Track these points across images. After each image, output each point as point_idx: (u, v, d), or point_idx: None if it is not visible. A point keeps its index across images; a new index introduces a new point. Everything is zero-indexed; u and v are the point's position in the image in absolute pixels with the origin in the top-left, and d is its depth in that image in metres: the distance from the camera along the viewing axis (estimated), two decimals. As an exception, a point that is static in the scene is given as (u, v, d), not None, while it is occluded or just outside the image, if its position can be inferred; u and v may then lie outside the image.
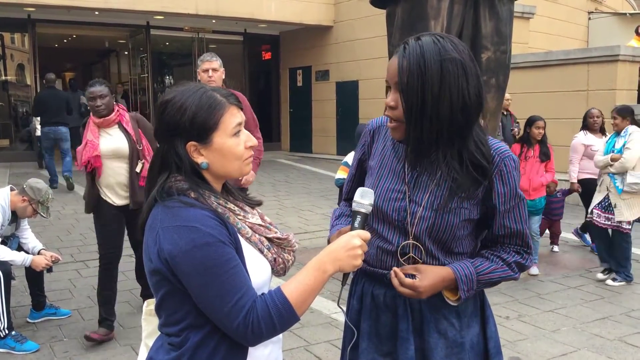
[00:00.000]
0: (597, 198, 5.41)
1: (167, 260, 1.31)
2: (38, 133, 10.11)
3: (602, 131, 6.30)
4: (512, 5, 5.38)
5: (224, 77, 4.50)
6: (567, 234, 6.81)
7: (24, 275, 4.42)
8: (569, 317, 4.53)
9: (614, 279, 5.32)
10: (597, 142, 5.96)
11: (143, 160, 4.00)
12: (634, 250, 6.29)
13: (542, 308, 4.71)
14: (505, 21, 5.21)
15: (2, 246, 4.00)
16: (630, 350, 3.91)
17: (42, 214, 4.23)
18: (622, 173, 5.20)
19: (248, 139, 1.45)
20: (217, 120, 1.38)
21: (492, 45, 5.16)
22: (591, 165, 5.84)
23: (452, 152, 1.56)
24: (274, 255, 1.48)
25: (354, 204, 1.51)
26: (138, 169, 3.99)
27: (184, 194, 1.37)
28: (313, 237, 6.84)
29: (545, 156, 5.60)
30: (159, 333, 1.47)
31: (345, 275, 1.51)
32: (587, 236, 6.50)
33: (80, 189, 8.66)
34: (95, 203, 4.03)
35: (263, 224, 1.49)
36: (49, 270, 4.26)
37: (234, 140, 1.41)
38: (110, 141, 3.98)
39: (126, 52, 16.66)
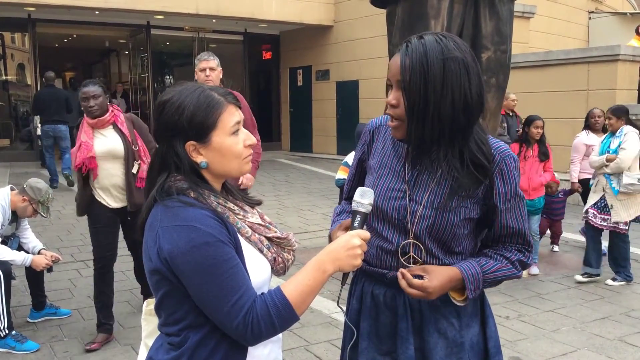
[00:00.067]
0: (592, 198, 5.38)
1: (167, 260, 1.32)
2: (39, 132, 10.15)
3: (604, 131, 6.29)
4: (513, 5, 5.37)
5: (221, 76, 4.43)
6: (567, 234, 6.81)
7: (24, 275, 4.42)
8: (569, 316, 4.53)
9: (614, 279, 5.32)
10: (599, 142, 5.95)
11: (139, 161, 3.95)
12: (633, 250, 6.29)
13: (542, 308, 4.71)
14: (506, 21, 5.21)
15: (3, 246, 4.00)
16: (630, 350, 3.91)
17: (42, 213, 4.23)
18: (618, 174, 5.18)
19: (247, 138, 1.45)
20: (215, 119, 1.39)
21: (492, 45, 5.16)
22: None
23: (453, 151, 1.56)
24: (274, 255, 1.48)
25: (353, 204, 1.52)
26: (134, 170, 3.93)
27: (183, 194, 1.37)
28: (313, 237, 6.84)
29: (544, 156, 5.60)
30: (159, 333, 1.47)
31: (345, 275, 1.51)
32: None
33: (80, 189, 8.65)
34: (87, 205, 3.96)
35: (263, 223, 1.49)
36: (49, 270, 4.26)
37: (232, 139, 1.41)
38: (105, 142, 3.91)
39: (126, 52, 16.66)
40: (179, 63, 16.62)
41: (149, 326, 1.61)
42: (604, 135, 5.59)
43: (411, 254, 1.63)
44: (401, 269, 1.58)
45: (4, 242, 4.14)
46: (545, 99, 9.70)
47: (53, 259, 4.20)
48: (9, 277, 3.93)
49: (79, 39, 16.64)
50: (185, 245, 1.29)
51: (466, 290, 1.58)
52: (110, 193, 3.95)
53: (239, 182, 4.21)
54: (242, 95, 3.70)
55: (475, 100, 1.54)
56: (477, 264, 1.61)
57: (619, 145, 5.20)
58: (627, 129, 5.27)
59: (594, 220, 5.28)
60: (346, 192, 1.93)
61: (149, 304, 1.58)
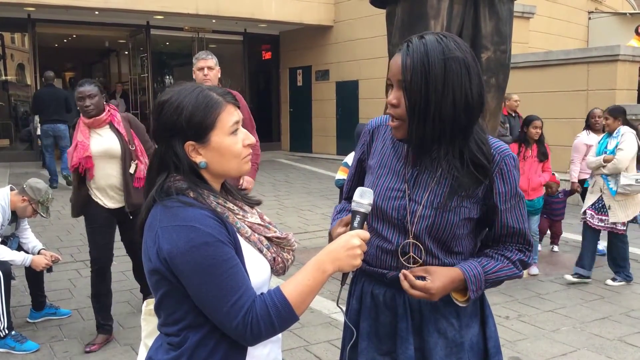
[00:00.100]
0: (590, 199, 5.36)
1: (166, 260, 1.31)
2: (39, 132, 10.18)
3: (605, 131, 6.28)
4: (512, 5, 5.38)
5: (219, 75, 4.36)
6: (567, 234, 6.81)
7: (24, 275, 4.41)
8: (569, 317, 4.53)
9: (613, 279, 5.32)
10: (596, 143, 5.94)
11: (136, 161, 3.92)
12: (632, 250, 6.29)
13: (541, 308, 4.71)
14: (505, 21, 5.21)
15: (2, 246, 4.00)
16: (630, 350, 3.91)
17: (42, 214, 4.23)
18: (615, 174, 5.16)
19: (246, 137, 1.45)
20: (214, 119, 1.38)
21: (492, 45, 5.17)
22: None
23: (453, 150, 1.56)
24: (274, 255, 1.48)
25: (353, 204, 1.51)
26: (131, 170, 3.89)
27: (182, 194, 1.37)
28: (313, 237, 6.84)
29: (543, 156, 5.60)
30: (159, 333, 1.47)
31: (345, 275, 1.51)
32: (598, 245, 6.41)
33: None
34: (82, 206, 3.93)
35: (262, 223, 1.49)
36: (49, 270, 4.26)
37: (231, 138, 1.41)
38: (101, 142, 3.87)
39: (126, 52, 16.66)
40: (179, 63, 16.62)
41: (149, 326, 1.61)
42: (601, 136, 5.57)
43: (411, 253, 1.63)
44: (403, 271, 1.58)
45: (4, 242, 4.14)
46: (545, 99, 9.70)
47: (53, 259, 4.19)
48: (8, 277, 3.93)
49: (79, 39, 16.63)
50: (184, 245, 1.29)
51: (468, 291, 1.58)
52: (107, 193, 3.91)
53: (240, 184, 4.20)
54: (242, 95, 3.69)
55: (476, 100, 1.54)
56: (479, 265, 1.61)
57: (616, 146, 5.18)
58: (624, 129, 5.25)
59: (592, 221, 5.27)
60: (346, 192, 1.93)
61: (149, 304, 1.58)
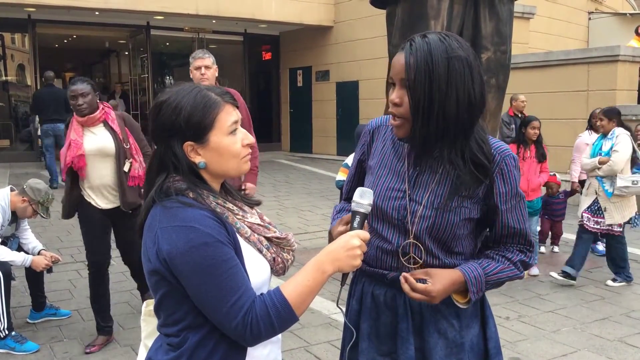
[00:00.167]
0: (585, 202, 5.31)
1: (166, 261, 1.31)
2: (40, 132, 10.23)
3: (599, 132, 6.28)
4: (512, 5, 5.38)
5: (217, 74, 4.27)
6: (567, 235, 6.80)
7: (24, 275, 4.41)
8: (569, 317, 4.52)
9: (614, 280, 5.31)
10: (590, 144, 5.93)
11: (131, 160, 3.86)
12: (633, 250, 6.30)
13: (542, 308, 4.71)
14: (506, 21, 5.21)
15: (2, 246, 4.00)
16: (630, 351, 3.91)
17: (42, 214, 4.22)
18: (610, 176, 5.13)
19: (245, 137, 1.45)
20: (212, 119, 1.38)
21: (492, 45, 5.17)
22: None
23: (455, 150, 1.56)
24: (273, 255, 1.48)
25: (353, 204, 1.51)
26: (126, 169, 3.84)
27: (182, 194, 1.37)
28: (313, 238, 6.84)
29: (542, 157, 5.60)
30: (158, 333, 1.46)
31: (345, 276, 1.51)
32: (598, 245, 6.41)
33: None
34: (73, 207, 3.88)
35: (262, 223, 1.49)
36: (49, 270, 4.26)
37: (230, 138, 1.41)
38: (95, 140, 3.81)
39: (126, 53, 16.65)
40: (179, 64, 16.60)
41: (149, 327, 1.61)
42: (595, 137, 5.53)
43: (411, 254, 1.63)
44: (404, 274, 1.58)
45: (4, 243, 4.14)
46: (546, 100, 9.69)
47: (53, 259, 4.19)
48: (8, 277, 3.93)
49: (79, 39, 16.64)
50: (184, 246, 1.29)
51: (469, 292, 1.58)
52: (101, 193, 3.86)
53: (242, 188, 4.16)
54: (241, 95, 3.65)
55: (478, 99, 1.55)
56: (480, 266, 1.61)
57: (611, 148, 5.15)
58: (619, 131, 5.22)
59: (588, 224, 5.24)
60: (345, 193, 1.93)
61: (148, 305, 1.58)
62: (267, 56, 16.54)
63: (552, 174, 6.29)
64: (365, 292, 1.74)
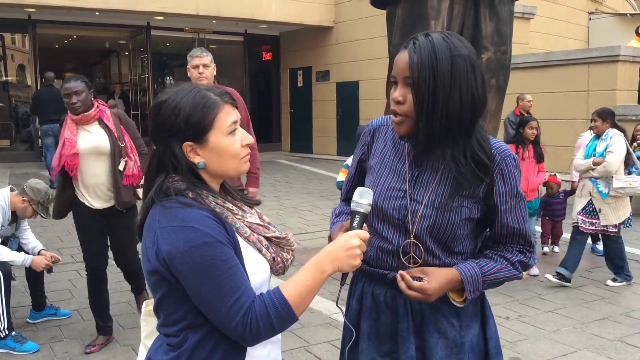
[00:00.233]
0: (579, 203, 5.29)
1: (165, 261, 1.31)
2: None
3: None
4: (513, 5, 5.38)
5: (215, 73, 4.14)
6: (568, 235, 6.80)
7: (24, 275, 4.41)
8: (569, 317, 4.52)
9: (614, 280, 5.31)
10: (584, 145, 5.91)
11: (126, 158, 3.80)
12: (633, 250, 6.30)
13: (542, 308, 4.71)
14: (506, 22, 5.22)
15: (2, 246, 4.00)
16: (630, 351, 3.91)
17: (42, 214, 4.22)
18: (605, 177, 5.11)
19: (244, 137, 1.45)
20: (211, 119, 1.38)
21: (492, 45, 5.17)
22: None
23: (457, 148, 1.56)
24: (273, 255, 1.48)
25: (352, 204, 1.51)
26: (121, 167, 3.77)
27: (181, 194, 1.37)
28: (313, 238, 6.84)
29: (540, 157, 5.60)
30: (158, 333, 1.46)
31: (344, 275, 1.51)
32: (598, 245, 6.40)
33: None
34: (64, 207, 3.84)
35: (261, 223, 1.49)
36: (49, 270, 4.26)
37: (229, 138, 1.41)
38: (90, 138, 3.74)
39: (127, 53, 16.66)
40: (179, 64, 16.58)
41: (148, 327, 1.61)
42: (589, 138, 5.51)
43: (412, 253, 1.63)
44: (400, 271, 1.58)
45: (4, 243, 4.14)
46: (546, 100, 9.70)
47: (53, 259, 4.19)
48: (8, 277, 3.93)
49: (79, 40, 16.64)
50: (183, 246, 1.29)
51: (465, 291, 1.58)
52: (95, 193, 3.80)
53: (244, 189, 4.11)
54: (239, 94, 3.59)
55: (481, 97, 1.55)
56: (477, 266, 1.61)
57: (606, 149, 5.14)
58: (613, 132, 5.21)
59: (583, 225, 5.22)
60: (345, 194, 1.93)
61: (148, 305, 1.58)
62: (267, 56, 16.54)
63: (552, 174, 6.30)
64: (366, 292, 1.74)
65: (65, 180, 3.80)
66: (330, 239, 1.68)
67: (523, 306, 4.75)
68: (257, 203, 1.58)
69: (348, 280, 1.60)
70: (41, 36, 13.31)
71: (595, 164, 5.13)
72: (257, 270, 1.41)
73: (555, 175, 6.30)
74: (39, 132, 10.59)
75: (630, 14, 15.22)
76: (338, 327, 4.15)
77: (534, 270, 5.53)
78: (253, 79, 16.42)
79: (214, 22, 13.75)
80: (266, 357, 1.47)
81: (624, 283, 5.27)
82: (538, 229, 6.41)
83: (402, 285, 1.56)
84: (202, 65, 4.01)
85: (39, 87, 12.36)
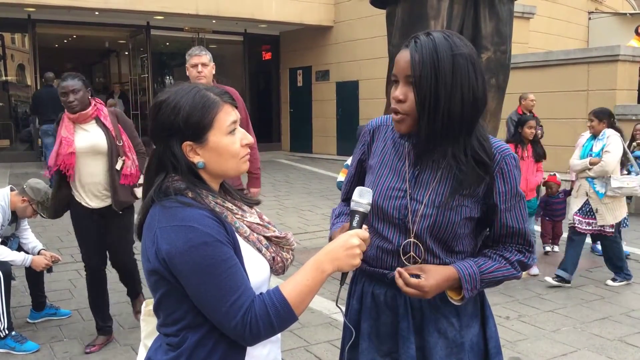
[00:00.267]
0: (575, 204, 5.26)
1: (165, 260, 1.31)
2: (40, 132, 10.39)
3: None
4: (512, 5, 5.38)
5: (214, 72, 4.09)
6: (567, 234, 6.80)
7: (24, 275, 4.41)
8: (569, 317, 4.52)
9: (614, 279, 5.31)
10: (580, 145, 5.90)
11: (124, 157, 3.75)
12: (633, 250, 6.30)
13: (542, 308, 4.71)
14: (505, 21, 5.22)
15: (2, 246, 4.00)
16: (631, 351, 3.91)
17: (42, 214, 4.22)
18: (601, 177, 5.10)
19: (244, 137, 1.45)
20: (211, 119, 1.38)
21: (492, 45, 5.17)
22: None
23: (458, 147, 1.56)
24: (273, 254, 1.48)
25: (352, 203, 1.51)
26: (118, 167, 3.72)
27: (181, 194, 1.37)
28: (313, 237, 6.84)
29: (539, 156, 5.59)
30: (158, 333, 1.46)
31: (344, 275, 1.51)
32: (598, 245, 6.40)
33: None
34: (60, 207, 3.82)
35: (261, 222, 1.49)
36: (49, 270, 4.26)
37: (229, 138, 1.41)
38: (87, 137, 3.70)
39: (126, 53, 16.66)
40: (179, 64, 16.58)
41: (148, 327, 1.61)
42: (585, 139, 5.51)
43: (412, 253, 1.63)
44: (398, 268, 1.58)
45: (4, 243, 4.14)
46: (546, 99, 9.70)
47: (53, 259, 4.19)
48: (9, 277, 3.93)
49: (79, 39, 16.64)
50: (183, 246, 1.29)
51: (463, 289, 1.58)
52: (91, 192, 3.75)
53: (242, 187, 4.09)
54: (238, 94, 3.53)
55: (482, 96, 1.56)
56: (475, 264, 1.61)
57: (602, 149, 5.13)
58: (610, 132, 5.20)
59: (580, 226, 5.21)
60: (344, 193, 1.93)
61: (148, 305, 1.58)
62: (267, 56, 16.55)
63: (552, 173, 6.30)
64: (366, 291, 1.74)
65: (62, 179, 3.76)
66: (331, 240, 1.68)
67: (523, 306, 4.75)
68: (257, 203, 1.57)
69: (348, 280, 1.60)
70: (41, 36, 13.31)
71: (592, 163, 5.12)
72: (256, 270, 1.41)
73: (555, 175, 6.30)
74: (39, 132, 10.64)
75: (630, 14, 15.22)
76: (338, 327, 4.15)
77: (534, 270, 5.53)
78: (253, 79, 16.42)
79: (214, 21, 13.75)
80: (266, 357, 1.47)
81: (624, 282, 5.27)
82: (537, 228, 6.41)
83: (399, 282, 1.56)
84: (201, 64, 3.96)
85: (38, 87, 12.36)
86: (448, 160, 1.57)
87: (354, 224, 1.48)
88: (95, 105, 3.75)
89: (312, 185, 10.84)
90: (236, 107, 1.45)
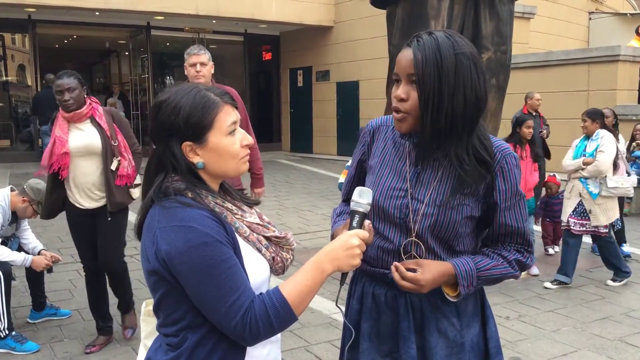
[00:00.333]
0: (569, 205, 5.24)
1: (165, 261, 1.31)
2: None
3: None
4: (513, 5, 5.39)
5: (212, 71, 4.00)
6: (567, 234, 6.81)
7: (25, 275, 4.42)
8: (569, 317, 4.52)
9: (614, 280, 5.31)
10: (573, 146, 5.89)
11: (119, 158, 3.68)
12: (633, 250, 6.30)
13: (542, 308, 4.71)
14: (506, 21, 5.22)
15: (3, 246, 4.00)
16: (631, 351, 3.91)
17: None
18: (595, 178, 5.09)
19: (244, 138, 1.45)
20: (211, 119, 1.38)
21: (492, 45, 5.17)
22: None
23: (460, 146, 1.56)
24: (273, 254, 1.48)
25: (352, 203, 1.51)
26: (113, 167, 3.65)
27: (181, 194, 1.37)
28: (313, 237, 6.84)
29: (537, 156, 5.59)
30: (158, 333, 1.46)
31: (344, 275, 1.51)
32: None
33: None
34: (54, 208, 3.78)
35: (261, 222, 1.49)
36: (50, 270, 4.26)
37: (229, 139, 1.41)
38: (81, 137, 3.62)
39: (127, 53, 16.66)
40: (179, 64, 16.45)
41: (148, 327, 1.61)
42: (578, 139, 5.50)
43: (412, 252, 1.63)
44: (395, 263, 1.59)
45: (4, 243, 4.14)
46: (546, 100, 9.68)
47: (53, 259, 4.19)
48: (9, 277, 3.93)
49: (79, 39, 16.65)
50: (183, 246, 1.29)
51: (459, 286, 1.58)
52: (85, 192, 3.69)
53: (242, 187, 4.06)
54: (238, 94, 3.50)
55: (484, 95, 1.56)
56: (472, 261, 1.61)
57: (596, 149, 5.12)
58: (603, 132, 5.20)
59: (574, 228, 5.20)
60: (345, 194, 1.93)
61: (148, 305, 1.58)
62: (268, 56, 16.55)
63: (552, 174, 6.29)
64: (366, 291, 1.74)
65: (55, 179, 3.70)
66: (334, 237, 1.68)
67: (523, 306, 4.75)
68: (257, 203, 1.57)
69: (348, 280, 1.60)
70: (41, 36, 13.32)
71: (586, 163, 5.12)
72: (256, 270, 1.41)
73: (554, 175, 6.30)
74: (39, 132, 10.68)
75: (630, 14, 15.22)
76: (338, 327, 4.15)
77: (535, 270, 5.53)
78: (253, 79, 16.42)
79: (214, 22, 13.75)
80: (266, 357, 1.47)
81: (625, 280, 5.26)
82: (537, 228, 6.41)
83: (396, 276, 1.56)
84: (200, 64, 3.88)
85: (39, 87, 12.38)
86: (450, 159, 1.57)
87: (354, 224, 1.48)
88: (90, 104, 3.68)
89: (312, 185, 10.84)
90: (236, 108, 1.45)
